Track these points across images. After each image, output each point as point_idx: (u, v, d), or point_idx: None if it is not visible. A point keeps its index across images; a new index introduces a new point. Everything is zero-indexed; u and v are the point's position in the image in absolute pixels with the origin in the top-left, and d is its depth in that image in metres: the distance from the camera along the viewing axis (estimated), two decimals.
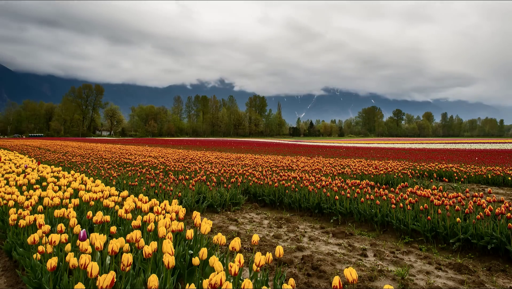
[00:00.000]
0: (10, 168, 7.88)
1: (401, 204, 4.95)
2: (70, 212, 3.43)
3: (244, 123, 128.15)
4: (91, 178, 6.13)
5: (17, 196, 4.31)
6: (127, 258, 2.29)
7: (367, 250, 4.14)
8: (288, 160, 13.16)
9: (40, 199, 4.50)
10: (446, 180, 8.97)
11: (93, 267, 2.05)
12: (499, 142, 47.46)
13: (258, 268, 2.31)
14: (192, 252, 3.16)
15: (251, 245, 4.20)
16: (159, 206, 3.87)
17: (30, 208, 3.96)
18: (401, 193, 5.65)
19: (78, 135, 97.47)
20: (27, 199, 4.33)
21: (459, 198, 5.03)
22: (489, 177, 9.99)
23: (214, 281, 1.95)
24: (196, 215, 3.23)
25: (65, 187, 5.22)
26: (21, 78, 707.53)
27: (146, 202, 4.12)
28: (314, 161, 13.03)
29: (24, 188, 5.22)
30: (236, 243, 2.54)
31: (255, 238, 2.68)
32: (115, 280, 1.94)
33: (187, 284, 2.04)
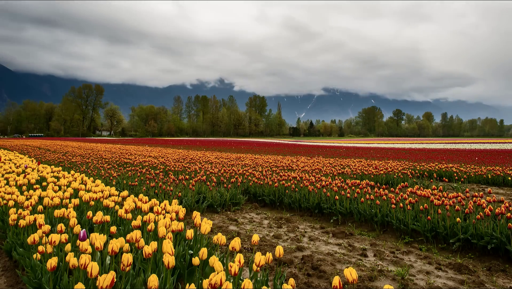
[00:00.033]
0: (10, 168, 7.88)
1: (401, 204, 4.95)
2: (70, 212, 3.43)
3: (244, 123, 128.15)
4: (91, 178, 6.13)
5: (17, 196, 4.31)
6: (127, 258, 2.29)
7: (367, 250, 4.14)
8: (288, 160, 13.16)
9: (40, 199, 4.50)
10: (446, 180, 8.97)
11: (93, 267, 2.05)
12: (499, 142, 47.47)
13: (258, 268, 2.31)
14: (192, 252, 3.16)
15: (251, 245, 4.20)
16: (159, 206, 3.87)
17: (30, 208, 3.97)
18: (401, 193, 5.65)
19: (78, 135, 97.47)
20: (27, 199, 4.33)
21: (459, 198, 5.03)
22: (489, 177, 9.98)
23: (214, 281, 1.95)
24: (196, 215, 3.23)
25: (65, 187, 5.22)
26: (21, 78, 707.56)
27: (146, 202, 4.12)
28: (314, 161, 13.03)
29: (24, 188, 5.22)
30: (236, 243, 2.54)
31: (255, 238, 2.68)
32: (115, 280, 1.94)
33: (187, 284, 2.04)
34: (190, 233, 2.92)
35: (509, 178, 9.49)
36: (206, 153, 17.88)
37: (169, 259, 2.27)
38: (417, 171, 10.38)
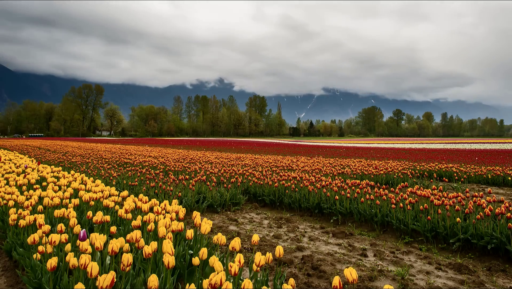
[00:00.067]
0: (10, 168, 7.88)
1: (401, 204, 4.95)
2: (70, 212, 3.43)
3: (244, 123, 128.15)
4: (91, 178, 6.13)
5: (17, 196, 4.31)
6: (127, 258, 2.29)
7: (367, 250, 4.14)
8: (288, 160, 13.16)
9: (40, 199, 4.50)
10: (446, 180, 8.97)
11: (93, 267, 2.05)
12: (499, 142, 47.47)
13: (258, 268, 2.31)
14: (192, 252, 3.16)
15: (251, 245, 4.20)
16: (159, 206, 3.87)
17: (30, 208, 3.97)
18: (401, 193, 5.65)
19: (78, 135, 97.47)
20: (27, 199, 4.33)
21: (459, 198, 5.03)
22: (489, 177, 9.99)
23: (214, 281, 1.95)
24: (196, 215, 3.23)
25: (65, 187, 5.22)
26: (21, 78, 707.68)
27: (146, 202, 4.12)
28: (314, 161, 13.03)
29: (24, 188, 5.22)
30: (236, 243, 2.54)
31: (255, 238, 2.68)
32: (115, 280, 1.94)
33: (187, 284, 2.04)
34: (190, 233, 2.92)
35: (509, 178, 9.49)
36: (206, 153, 17.88)
37: (169, 259, 2.27)
38: (417, 171, 10.38)
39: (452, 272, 3.51)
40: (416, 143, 46.01)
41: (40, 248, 2.66)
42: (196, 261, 2.51)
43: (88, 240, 2.56)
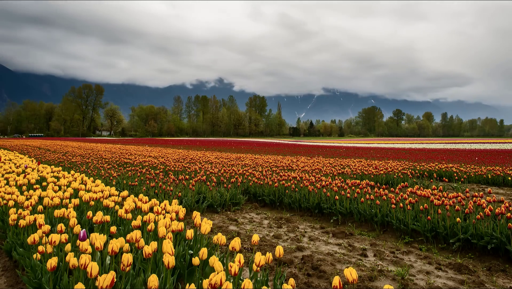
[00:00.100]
0: (10, 168, 7.88)
1: (401, 204, 4.95)
2: (70, 212, 3.43)
3: (244, 123, 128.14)
4: (91, 178, 6.13)
5: (17, 196, 4.31)
6: (127, 258, 2.29)
7: (367, 250, 4.14)
8: (288, 160, 13.16)
9: (40, 199, 4.50)
10: (446, 180, 8.97)
11: (93, 267, 2.05)
12: (499, 142, 47.47)
13: (258, 268, 2.31)
14: (192, 252, 3.16)
15: (251, 245, 4.20)
16: (159, 206, 3.87)
17: (30, 208, 3.97)
18: (401, 193, 5.65)
19: (78, 135, 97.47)
20: (27, 199, 4.33)
21: (459, 198, 5.03)
22: (489, 177, 9.99)
23: (214, 281, 1.95)
24: (196, 215, 3.23)
25: (65, 187, 5.22)
26: (21, 78, 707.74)
27: (146, 202, 4.12)
28: (314, 161, 13.03)
29: (24, 188, 5.22)
30: (236, 243, 2.54)
31: (255, 238, 2.68)
32: (115, 280, 1.94)
33: (187, 284, 2.04)
34: (190, 233, 2.92)
35: (509, 178, 9.49)
36: (206, 153, 17.88)
37: (169, 259, 2.27)
38: (417, 171, 10.38)
39: (452, 272, 3.51)
40: (416, 143, 46.01)
41: (40, 248, 2.66)
42: (196, 261, 2.51)
43: (88, 240, 2.56)
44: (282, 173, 8.44)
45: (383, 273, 3.41)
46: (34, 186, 5.24)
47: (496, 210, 4.24)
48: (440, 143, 46.08)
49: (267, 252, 2.45)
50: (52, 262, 2.35)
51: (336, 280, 1.79)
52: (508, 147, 31.69)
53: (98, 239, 2.57)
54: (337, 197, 5.62)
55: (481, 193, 5.31)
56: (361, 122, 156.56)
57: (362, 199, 5.47)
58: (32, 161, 10.15)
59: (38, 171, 7.56)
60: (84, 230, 2.61)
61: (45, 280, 2.60)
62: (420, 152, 21.65)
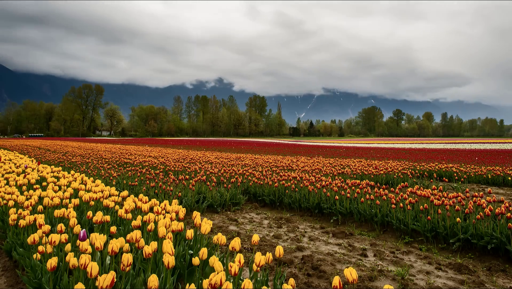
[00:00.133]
0: (10, 168, 7.88)
1: (401, 204, 4.95)
2: (70, 212, 3.43)
3: (244, 123, 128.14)
4: (91, 178, 6.13)
5: (17, 196, 4.31)
6: (127, 258, 2.29)
7: (367, 250, 4.14)
8: (288, 160, 13.16)
9: (40, 199, 4.50)
10: (446, 180, 8.97)
11: (93, 267, 2.05)
12: (499, 142, 47.47)
13: (258, 268, 2.31)
14: (192, 252, 3.16)
15: (251, 245, 4.20)
16: (159, 206, 3.87)
17: (30, 208, 3.97)
18: (401, 193, 5.65)
19: (78, 135, 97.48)
20: (27, 199, 4.33)
21: (459, 198, 5.03)
22: (489, 177, 9.99)
23: (214, 281, 1.95)
24: (196, 215, 3.23)
25: (65, 187, 5.22)
26: (21, 78, 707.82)
27: (146, 202, 4.12)
28: (314, 161, 13.03)
29: (24, 188, 5.22)
30: (236, 243, 2.54)
31: (255, 238, 2.68)
32: (115, 280, 1.94)
33: (187, 284, 2.04)
34: (190, 233, 2.92)
35: (509, 178, 9.49)
36: (206, 153, 17.88)
37: (169, 259, 2.27)
38: (417, 171, 10.38)
39: (452, 272, 3.51)
40: (416, 143, 46.01)
41: (40, 248, 2.66)
42: (196, 261, 2.51)
43: (88, 240, 2.56)
44: (282, 173, 8.44)
45: (383, 273, 3.41)
46: (34, 186, 5.24)
47: (496, 210, 4.24)
48: (440, 143, 46.08)
49: (267, 252, 2.45)
50: (52, 262, 2.35)
51: (336, 280, 1.79)
52: (508, 147, 31.69)
53: (98, 239, 2.57)
54: (337, 197, 5.62)
55: (481, 193, 5.31)
56: (361, 122, 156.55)
57: (362, 199, 5.47)
58: (32, 161, 10.15)
59: (38, 171, 7.56)
60: (84, 230, 2.61)
61: (45, 280, 2.60)
62: (420, 152, 21.65)
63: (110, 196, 4.52)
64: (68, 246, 2.74)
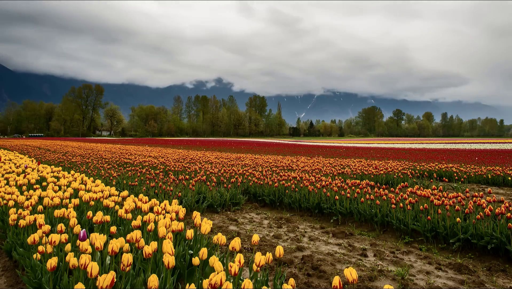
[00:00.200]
0: (10, 168, 7.88)
1: (401, 204, 4.95)
2: (70, 212, 3.43)
3: (244, 123, 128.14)
4: (91, 178, 6.13)
5: (17, 196, 4.31)
6: (127, 258, 2.29)
7: (367, 250, 4.14)
8: (288, 160, 13.16)
9: (40, 199, 4.50)
10: (446, 180, 8.97)
11: (93, 267, 2.05)
12: (499, 142, 47.47)
13: (258, 268, 2.31)
14: (192, 252, 3.16)
15: (251, 245, 4.20)
16: (159, 206, 3.87)
17: (30, 208, 3.96)
18: (401, 193, 5.65)
19: (78, 135, 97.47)
20: (27, 199, 4.33)
21: (459, 198, 5.03)
22: (489, 177, 9.99)
23: (214, 281, 1.95)
24: (196, 215, 3.23)
25: (65, 187, 5.22)
26: (21, 78, 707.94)
27: (146, 202, 4.12)
28: (314, 161, 13.03)
29: (24, 188, 5.22)
30: (236, 243, 2.54)
31: (255, 238, 2.68)
32: (115, 280, 1.94)
33: (187, 284, 2.04)
34: (190, 233, 2.92)
35: (509, 178, 9.49)
36: (206, 153, 17.88)
37: (169, 259, 2.27)
38: (417, 171, 10.38)
39: (452, 272, 3.51)
40: (416, 143, 46.01)
41: (40, 248, 2.66)
42: (196, 261, 2.51)
43: (88, 240, 2.56)
44: (282, 173, 8.44)
45: (383, 273, 3.41)
46: (34, 186, 5.24)
47: (496, 210, 4.24)
48: (440, 143, 46.07)
49: (267, 252, 2.45)
50: (52, 262, 2.35)
51: (336, 280, 1.79)
52: (508, 147, 31.69)
53: (98, 239, 2.57)
54: (337, 197, 5.62)
55: (481, 193, 5.31)
56: (361, 122, 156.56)
57: (362, 199, 5.47)
58: (32, 161, 10.15)
59: (38, 171, 7.56)
60: (84, 230, 2.61)
61: (45, 280, 2.60)
62: (420, 152, 21.65)
63: (110, 196, 4.52)
64: (68, 246, 2.74)
